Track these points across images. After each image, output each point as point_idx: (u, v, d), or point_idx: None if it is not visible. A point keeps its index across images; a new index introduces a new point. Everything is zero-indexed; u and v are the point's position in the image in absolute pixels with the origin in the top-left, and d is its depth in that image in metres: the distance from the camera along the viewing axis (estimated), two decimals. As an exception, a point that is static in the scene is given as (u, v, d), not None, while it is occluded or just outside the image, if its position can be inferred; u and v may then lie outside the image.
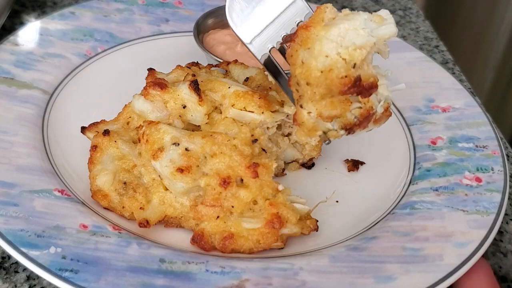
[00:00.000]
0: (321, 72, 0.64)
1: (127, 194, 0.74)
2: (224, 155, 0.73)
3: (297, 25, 0.72)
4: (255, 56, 0.74)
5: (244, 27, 0.73)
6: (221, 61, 0.91)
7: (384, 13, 0.67)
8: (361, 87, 0.63)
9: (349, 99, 0.66)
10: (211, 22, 1.02)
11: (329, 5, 0.68)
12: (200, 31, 1.00)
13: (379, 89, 0.66)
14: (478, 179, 0.82)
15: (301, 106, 0.67)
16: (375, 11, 0.68)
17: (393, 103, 0.98)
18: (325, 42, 0.64)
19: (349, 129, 0.67)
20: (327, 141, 0.70)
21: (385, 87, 0.67)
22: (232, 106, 0.78)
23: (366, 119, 0.67)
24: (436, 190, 0.81)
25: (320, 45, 0.64)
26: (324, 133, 0.69)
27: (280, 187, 0.74)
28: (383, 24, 0.66)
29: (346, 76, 0.63)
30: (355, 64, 0.63)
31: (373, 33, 0.65)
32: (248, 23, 0.73)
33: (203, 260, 0.69)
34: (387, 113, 0.69)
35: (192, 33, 0.99)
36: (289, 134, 0.84)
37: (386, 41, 0.66)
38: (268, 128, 0.79)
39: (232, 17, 0.73)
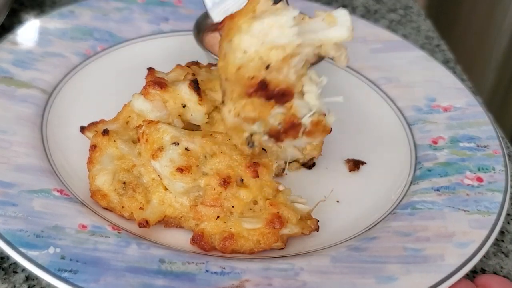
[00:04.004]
0: (237, 68, 0.59)
1: (127, 194, 0.74)
2: (224, 155, 0.72)
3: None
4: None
5: None
6: (221, 60, 0.91)
7: (341, 13, 0.59)
8: (269, 92, 0.58)
9: (271, 103, 0.59)
10: (211, 21, 1.02)
11: None
12: (200, 30, 1.00)
13: (307, 97, 0.60)
14: (480, 179, 0.82)
15: (223, 102, 0.63)
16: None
17: (393, 103, 0.98)
18: (246, 36, 0.58)
19: (275, 136, 0.62)
20: (250, 144, 0.64)
21: (314, 96, 0.60)
22: (232, 105, 0.78)
23: (292, 128, 0.61)
24: (437, 190, 0.81)
25: (239, 38, 0.58)
26: (251, 135, 0.64)
27: (281, 187, 0.74)
28: (335, 25, 0.58)
29: (253, 77, 0.57)
30: (269, 65, 0.57)
31: (319, 34, 0.58)
32: None
33: (203, 260, 0.69)
34: (320, 128, 0.61)
35: (192, 32, 0.99)
36: (289, 134, 0.83)
37: (337, 44, 0.59)
38: (268, 127, 0.79)
39: None
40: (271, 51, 0.57)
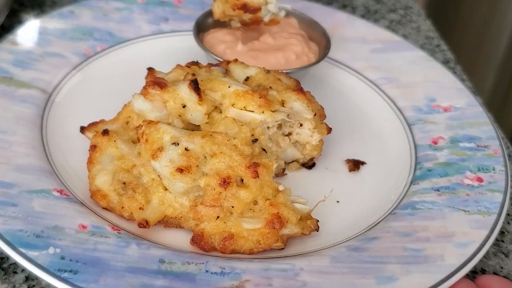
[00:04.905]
0: None
1: (127, 194, 0.74)
2: (224, 155, 0.72)
3: None
4: None
5: None
6: (221, 60, 0.91)
7: None
8: (246, 9, 0.95)
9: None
10: (211, 21, 1.02)
11: None
12: (200, 30, 1.00)
13: (268, 6, 0.96)
14: (480, 179, 0.82)
15: (214, 0, 0.96)
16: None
17: (393, 103, 0.98)
18: None
19: (245, 25, 0.99)
20: (228, 26, 1.00)
21: (273, 6, 0.96)
22: (232, 105, 0.78)
23: (256, 22, 0.98)
24: (437, 190, 0.81)
25: None
26: (230, 20, 0.99)
27: (281, 187, 0.74)
28: None
29: (238, 0, 0.94)
30: None
31: None
32: None
33: (203, 260, 0.69)
34: (275, 22, 0.99)
35: (192, 32, 0.99)
36: (289, 134, 0.84)
37: None
38: (268, 127, 0.79)
39: None
40: None
